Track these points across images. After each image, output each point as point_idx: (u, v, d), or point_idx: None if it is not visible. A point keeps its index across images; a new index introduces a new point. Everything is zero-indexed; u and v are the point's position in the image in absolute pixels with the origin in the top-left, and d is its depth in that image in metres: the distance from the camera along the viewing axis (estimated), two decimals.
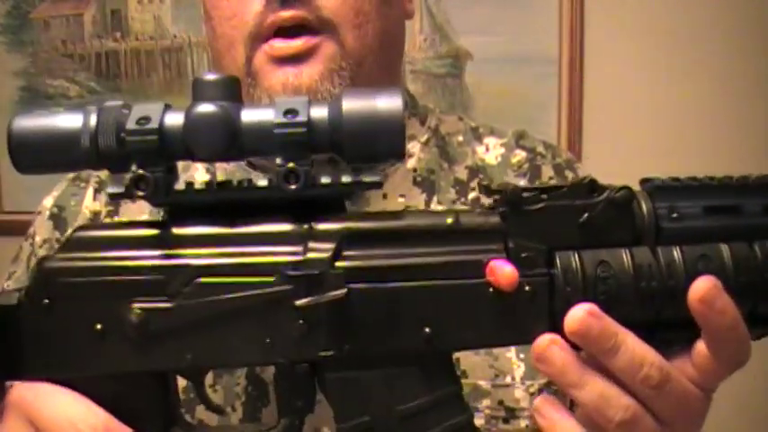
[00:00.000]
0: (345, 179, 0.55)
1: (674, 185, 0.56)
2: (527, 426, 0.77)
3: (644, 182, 0.58)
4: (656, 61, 1.95)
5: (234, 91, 0.55)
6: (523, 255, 0.55)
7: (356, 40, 0.76)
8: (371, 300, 0.54)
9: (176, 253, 0.55)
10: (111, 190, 0.55)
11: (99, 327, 0.55)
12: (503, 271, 0.54)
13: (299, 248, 0.54)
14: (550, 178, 0.88)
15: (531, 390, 0.77)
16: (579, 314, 0.53)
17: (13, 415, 0.56)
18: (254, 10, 0.76)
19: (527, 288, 0.55)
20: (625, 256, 0.55)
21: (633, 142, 1.97)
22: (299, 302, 0.53)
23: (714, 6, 1.93)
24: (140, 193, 0.53)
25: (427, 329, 0.55)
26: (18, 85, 2.18)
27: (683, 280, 0.54)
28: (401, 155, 0.54)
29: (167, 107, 0.54)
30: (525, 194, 0.55)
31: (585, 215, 0.55)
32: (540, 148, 0.90)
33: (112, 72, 2.16)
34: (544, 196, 0.55)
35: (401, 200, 0.82)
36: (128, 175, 0.53)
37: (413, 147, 0.85)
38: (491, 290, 0.54)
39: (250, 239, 0.55)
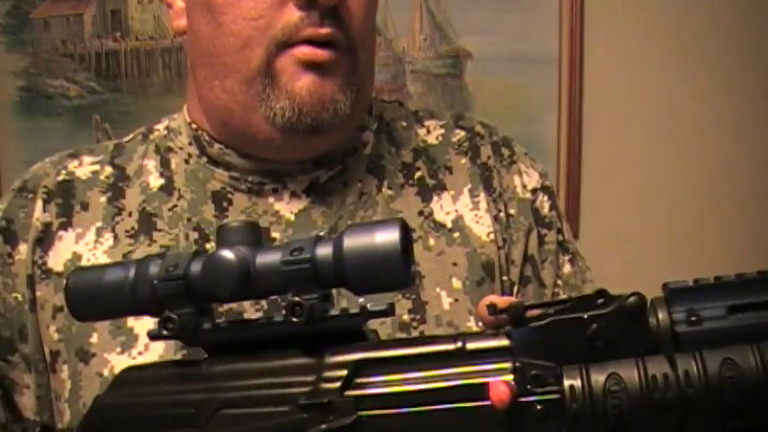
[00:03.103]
0: (353, 310, 0.58)
1: (692, 287, 0.54)
2: None
3: (665, 285, 0.55)
4: (656, 61, 1.95)
5: (254, 235, 0.61)
6: (533, 373, 0.54)
7: (365, 59, 0.81)
8: (382, 426, 0.56)
9: (204, 387, 0.60)
10: (151, 333, 0.62)
11: None
12: (495, 390, 0.53)
13: (311, 378, 0.57)
14: (488, 157, 0.90)
15: None
16: None
17: None
18: (288, 19, 0.76)
19: (538, 408, 0.53)
20: (637, 366, 0.52)
21: (633, 142, 1.97)
22: (312, 431, 0.56)
23: (714, 6, 1.93)
24: (166, 333, 0.59)
25: None
26: (18, 85, 2.18)
27: (703, 388, 0.51)
28: (403, 284, 0.57)
29: (195, 255, 0.60)
30: (531, 311, 0.55)
31: (593, 327, 0.53)
32: (479, 128, 0.92)
33: (112, 72, 2.16)
34: (550, 311, 0.55)
35: (359, 185, 0.86)
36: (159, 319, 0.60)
37: (366, 136, 0.89)
38: (501, 413, 0.53)
39: (268, 372, 0.59)
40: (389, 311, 0.58)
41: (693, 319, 0.52)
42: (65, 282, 0.64)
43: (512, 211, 0.88)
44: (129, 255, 0.82)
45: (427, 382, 0.56)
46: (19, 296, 0.84)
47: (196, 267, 0.59)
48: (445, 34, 2.03)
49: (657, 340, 0.52)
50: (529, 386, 0.53)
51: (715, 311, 0.52)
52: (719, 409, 0.51)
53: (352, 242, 0.57)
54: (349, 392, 0.56)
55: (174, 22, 0.86)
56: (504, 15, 1.98)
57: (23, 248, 0.84)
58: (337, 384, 0.57)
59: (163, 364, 0.66)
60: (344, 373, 0.57)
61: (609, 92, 1.97)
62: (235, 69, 0.79)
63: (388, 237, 0.56)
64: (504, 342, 0.55)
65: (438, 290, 0.82)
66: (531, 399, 0.53)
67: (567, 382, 0.53)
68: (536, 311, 0.55)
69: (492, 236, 0.86)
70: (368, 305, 0.58)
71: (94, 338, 0.80)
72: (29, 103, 2.18)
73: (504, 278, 0.87)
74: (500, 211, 0.87)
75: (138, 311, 0.62)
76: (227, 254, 0.58)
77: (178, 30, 0.86)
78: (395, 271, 0.56)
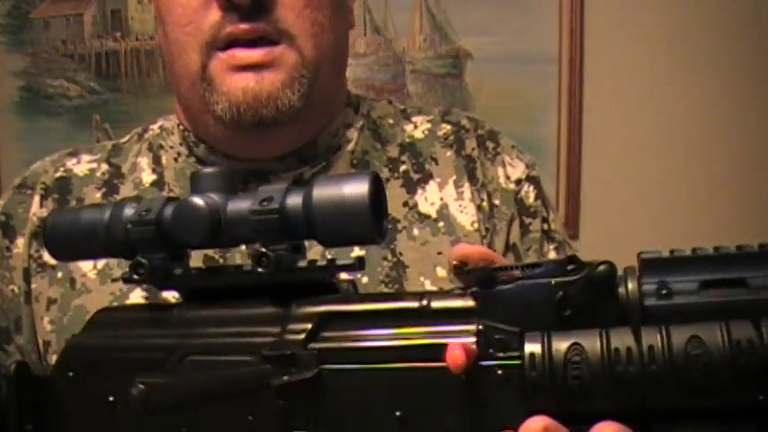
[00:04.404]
0: (320, 263, 0.58)
1: (667, 258, 0.51)
2: None
3: (640, 254, 0.52)
4: (656, 61, 1.95)
5: (228, 182, 0.60)
6: (496, 337, 0.52)
7: (314, 49, 0.80)
8: (344, 381, 0.55)
9: (174, 333, 0.60)
10: (120, 275, 0.62)
11: (111, 399, 0.60)
12: (451, 354, 0.51)
13: (277, 329, 0.57)
14: (473, 149, 0.90)
15: None
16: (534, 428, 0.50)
17: None
18: (211, 19, 0.78)
19: (500, 372, 0.52)
20: (600, 337, 0.50)
21: (633, 142, 1.97)
22: (274, 382, 0.55)
23: (714, 6, 1.93)
24: (137, 277, 0.59)
25: (398, 413, 0.54)
26: (18, 85, 2.18)
27: (667, 365, 0.49)
28: (371, 238, 0.57)
29: (169, 200, 0.60)
30: (498, 273, 0.53)
31: (560, 294, 0.51)
32: (465, 122, 0.93)
33: (112, 72, 2.16)
34: (517, 273, 0.53)
35: None
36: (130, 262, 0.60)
37: (351, 133, 0.90)
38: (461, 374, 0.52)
39: (235, 321, 0.59)
40: (358, 265, 0.57)
41: (664, 292, 0.50)
42: (44, 223, 0.65)
43: (495, 202, 0.89)
44: None
45: (390, 340, 0.55)
46: (15, 288, 0.86)
47: (168, 213, 0.59)
48: (445, 34, 2.03)
49: (625, 311, 0.51)
50: (491, 350, 0.52)
51: (687, 285, 0.50)
52: (683, 386, 0.49)
53: (321, 192, 0.56)
54: (313, 345, 0.56)
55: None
56: (504, 15, 1.98)
57: (21, 242, 0.87)
58: (301, 336, 0.56)
59: (136, 307, 0.67)
60: (309, 326, 0.56)
61: (609, 92, 1.97)
62: (182, 75, 0.82)
63: (356, 189, 0.55)
64: (470, 303, 0.54)
65: (422, 279, 0.83)
66: (493, 363, 0.52)
67: (528, 349, 0.51)
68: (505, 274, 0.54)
69: (476, 225, 0.87)
70: (337, 258, 0.58)
71: None
72: (29, 103, 2.19)
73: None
74: (483, 200, 0.88)
75: (113, 254, 0.62)
76: (198, 201, 0.58)
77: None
78: (363, 224, 0.56)
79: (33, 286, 0.86)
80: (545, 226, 0.91)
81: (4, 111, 2.18)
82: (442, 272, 0.84)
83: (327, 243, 0.58)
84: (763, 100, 1.94)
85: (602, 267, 0.51)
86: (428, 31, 2.04)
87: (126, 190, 0.88)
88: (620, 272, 0.52)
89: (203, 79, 0.79)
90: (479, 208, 0.87)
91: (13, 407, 0.62)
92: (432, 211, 0.87)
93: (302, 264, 0.58)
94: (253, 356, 0.57)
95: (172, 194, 0.87)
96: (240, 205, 0.58)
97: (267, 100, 0.77)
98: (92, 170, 0.90)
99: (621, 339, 0.50)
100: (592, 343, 0.50)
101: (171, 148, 0.89)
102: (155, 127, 0.93)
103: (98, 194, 0.88)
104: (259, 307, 0.59)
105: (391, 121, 0.93)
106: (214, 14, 0.78)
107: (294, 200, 0.57)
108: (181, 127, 0.89)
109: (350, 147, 0.89)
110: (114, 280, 0.82)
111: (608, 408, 0.50)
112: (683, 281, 0.51)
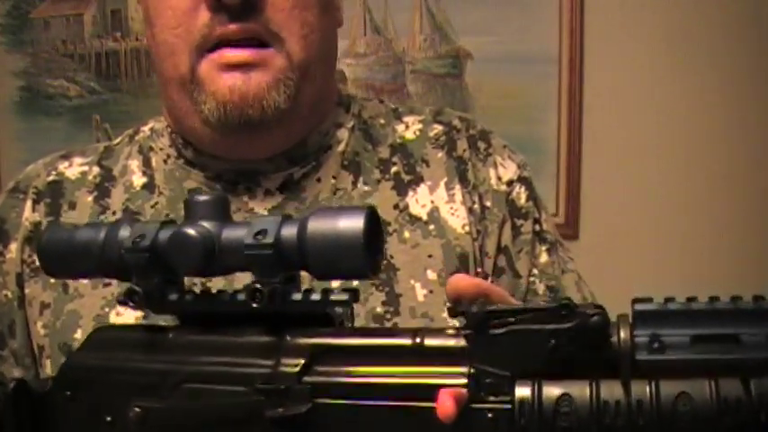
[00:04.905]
0: (315, 297, 0.58)
1: (660, 310, 0.51)
2: None
3: (634, 302, 0.52)
4: (656, 61, 1.95)
5: (222, 209, 0.60)
6: (487, 381, 0.53)
7: (302, 50, 0.80)
8: (337, 416, 0.55)
9: (169, 358, 0.60)
10: (119, 299, 0.62)
11: (108, 419, 0.61)
12: (442, 404, 0.51)
13: (271, 362, 0.57)
14: (464, 150, 0.90)
15: None
16: None
17: None
18: (200, 21, 0.78)
19: (489, 416, 0.52)
20: (590, 389, 0.51)
21: (633, 142, 1.97)
22: (268, 414, 0.56)
23: (714, 6, 1.93)
24: (132, 304, 0.59)
25: None
26: (18, 85, 2.18)
27: (654, 420, 0.49)
28: (364, 273, 0.57)
29: (163, 225, 0.60)
30: (492, 317, 0.53)
31: (553, 342, 0.52)
32: (456, 122, 0.93)
33: (112, 72, 2.16)
34: (511, 319, 0.53)
35: (333, 181, 0.87)
36: (123, 289, 0.60)
37: (342, 133, 0.89)
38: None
39: (231, 349, 0.59)
40: (351, 299, 0.58)
41: (656, 345, 0.50)
42: (39, 238, 0.64)
43: (487, 203, 0.88)
44: None
45: (382, 377, 0.55)
46: (9, 293, 0.86)
47: (163, 239, 0.59)
48: (445, 34, 2.03)
49: (617, 360, 0.51)
50: (482, 393, 0.53)
51: (680, 339, 0.50)
52: None
53: (315, 226, 0.56)
54: (307, 379, 0.56)
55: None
56: (504, 15, 1.98)
57: (14, 247, 0.87)
58: (296, 370, 0.56)
59: (135, 327, 0.67)
60: (302, 360, 0.57)
61: (609, 92, 1.97)
62: (170, 77, 0.82)
63: (351, 223, 0.55)
64: (462, 344, 0.54)
65: (413, 282, 0.83)
66: (483, 406, 0.52)
67: (518, 395, 0.52)
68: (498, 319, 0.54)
69: (467, 228, 0.86)
70: (333, 291, 0.58)
71: (78, 334, 0.81)
72: (29, 103, 2.19)
73: (479, 270, 0.87)
74: (474, 203, 0.88)
75: (107, 274, 0.62)
76: (191, 231, 0.58)
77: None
78: (356, 258, 0.55)
79: (27, 291, 0.86)
80: (537, 227, 0.90)
81: (4, 111, 2.18)
82: (432, 275, 0.84)
83: (319, 276, 0.58)
84: (763, 100, 1.94)
85: (595, 318, 0.51)
86: (428, 31, 2.04)
87: (117, 193, 0.88)
88: (612, 318, 0.52)
89: (192, 81, 0.79)
90: (470, 210, 0.87)
91: (11, 424, 0.63)
92: (422, 214, 0.86)
93: (296, 297, 0.58)
94: (247, 387, 0.57)
95: (162, 197, 0.87)
96: (234, 235, 0.58)
97: (253, 100, 0.78)
98: (83, 173, 0.90)
99: (611, 391, 0.51)
100: (581, 393, 0.51)
101: (161, 150, 0.89)
102: (145, 129, 0.93)
103: (89, 198, 0.88)
104: (254, 336, 0.59)
105: (382, 121, 0.93)
106: (203, 16, 0.78)
107: (289, 232, 0.57)
108: (169, 129, 0.89)
109: (340, 147, 0.89)
110: (106, 285, 0.81)
111: None
112: (675, 335, 0.50)
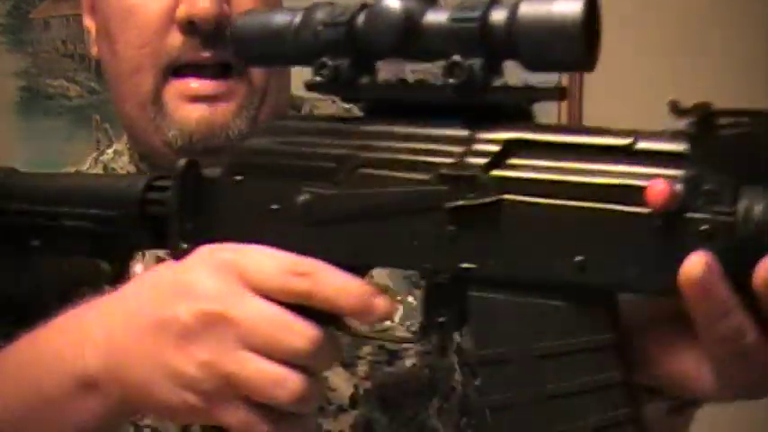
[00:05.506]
0: (517, 84, 0.53)
1: None
2: (414, 364, 0.78)
3: None
4: (657, 60, 1.95)
5: None
6: (705, 187, 0.46)
7: (263, 73, 0.80)
8: (525, 214, 0.50)
9: (349, 144, 0.57)
10: (305, 82, 0.59)
11: (274, 207, 0.58)
12: (653, 187, 0.46)
13: (460, 150, 0.53)
14: None
15: (413, 329, 0.76)
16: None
17: (207, 261, 0.59)
18: (170, 43, 0.77)
19: (703, 227, 0.45)
20: None
21: None
22: (448, 204, 0.52)
23: (715, 5, 1.93)
24: (320, 79, 0.56)
25: (580, 257, 0.49)
26: (18, 85, 2.18)
27: None
28: (582, 64, 0.51)
29: (365, 6, 0.56)
30: (722, 117, 0.47)
31: None
32: None
33: None
34: (745, 120, 0.47)
35: None
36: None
37: None
38: (659, 223, 0.46)
39: (416, 137, 0.55)
40: (558, 95, 0.53)
41: None
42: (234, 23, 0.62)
43: None
44: None
45: (582, 175, 0.49)
46: None
47: (362, 17, 0.55)
48: None
49: None
50: (699, 201, 0.46)
51: None
52: None
53: (528, 9, 0.51)
54: (497, 171, 0.51)
55: (92, 48, 0.87)
56: None
57: None
58: (486, 160, 0.51)
59: (315, 117, 0.66)
60: (495, 149, 0.51)
61: (609, 92, 1.97)
62: (129, 95, 0.80)
63: (568, 7, 0.50)
64: (682, 147, 0.48)
65: None
66: (698, 216, 0.46)
67: (743, 204, 0.45)
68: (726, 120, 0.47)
69: None
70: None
71: None
72: (29, 103, 2.19)
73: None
74: None
75: (300, 59, 0.59)
76: (394, 3, 0.54)
77: (95, 55, 0.87)
78: (571, 46, 0.50)
79: None
80: None
81: (4, 111, 2.18)
82: None
83: (531, 66, 0.52)
84: (763, 101, 1.93)
85: None
86: None
87: None
88: None
89: (155, 103, 0.78)
90: None
91: (175, 203, 0.62)
92: None
93: (496, 83, 0.52)
94: (429, 175, 0.53)
95: None
96: (439, 14, 0.53)
97: (220, 130, 0.77)
98: None
99: None
100: None
101: (121, 169, 0.89)
102: (109, 151, 0.92)
103: None
104: (444, 126, 0.54)
105: None
106: (174, 38, 0.77)
107: (498, 15, 0.51)
108: (128, 145, 0.88)
109: None
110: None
111: None
112: None
